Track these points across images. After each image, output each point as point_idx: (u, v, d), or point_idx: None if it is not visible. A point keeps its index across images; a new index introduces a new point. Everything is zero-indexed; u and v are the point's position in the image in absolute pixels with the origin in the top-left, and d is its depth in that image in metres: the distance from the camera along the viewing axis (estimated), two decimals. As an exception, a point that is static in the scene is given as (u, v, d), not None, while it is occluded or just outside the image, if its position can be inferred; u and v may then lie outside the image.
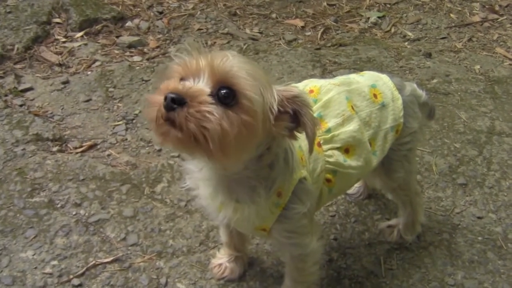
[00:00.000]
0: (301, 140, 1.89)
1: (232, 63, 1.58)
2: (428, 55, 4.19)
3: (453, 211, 2.84)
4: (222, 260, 2.46)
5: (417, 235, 2.68)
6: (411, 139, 2.25)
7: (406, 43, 4.42)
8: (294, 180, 1.86)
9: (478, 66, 4.10)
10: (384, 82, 2.19)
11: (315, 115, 1.93)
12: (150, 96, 1.61)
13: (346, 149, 2.01)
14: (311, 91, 2.07)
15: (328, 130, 2.00)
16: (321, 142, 1.98)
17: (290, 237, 1.99)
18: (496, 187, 2.99)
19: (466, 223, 2.78)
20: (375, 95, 2.13)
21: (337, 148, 2.00)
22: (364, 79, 2.19)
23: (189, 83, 1.58)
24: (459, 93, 3.75)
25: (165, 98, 1.52)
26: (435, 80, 3.88)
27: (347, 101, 2.05)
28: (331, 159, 1.98)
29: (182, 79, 1.62)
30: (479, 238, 2.71)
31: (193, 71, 1.60)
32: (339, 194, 2.17)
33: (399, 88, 2.21)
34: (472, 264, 2.59)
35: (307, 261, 2.11)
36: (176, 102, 1.51)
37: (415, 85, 2.34)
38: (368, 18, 4.73)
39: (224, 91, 1.55)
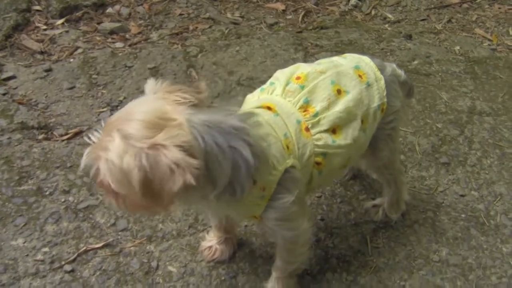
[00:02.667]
0: (288, 127, 1.96)
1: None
2: (409, 37, 4.23)
3: (437, 189, 2.90)
4: (211, 242, 2.49)
5: (402, 214, 2.73)
6: (394, 117, 2.29)
7: (387, 25, 4.45)
8: (278, 171, 1.89)
9: (458, 47, 4.15)
10: (366, 63, 2.23)
11: (302, 100, 2.02)
12: None
13: (333, 130, 2.05)
14: (298, 78, 2.10)
15: (316, 114, 2.03)
16: (309, 126, 2.01)
17: (281, 224, 2.03)
18: (477, 166, 3.05)
19: (449, 201, 2.84)
20: (360, 76, 2.17)
21: (325, 131, 2.03)
22: (347, 61, 2.22)
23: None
24: (440, 74, 3.80)
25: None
26: (416, 62, 3.92)
27: (332, 86, 2.09)
28: (319, 142, 2.01)
29: None
30: (462, 215, 2.77)
31: None
32: (332, 177, 2.19)
33: (380, 68, 2.25)
34: (456, 240, 2.65)
35: (298, 242, 2.14)
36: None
37: (394, 65, 2.38)
38: (349, 0, 4.74)
39: None
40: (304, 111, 2.03)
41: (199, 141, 1.61)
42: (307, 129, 2.01)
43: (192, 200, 1.88)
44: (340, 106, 2.06)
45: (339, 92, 2.09)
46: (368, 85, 2.16)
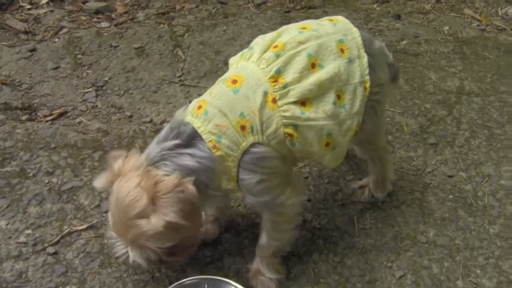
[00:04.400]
0: (249, 102, 1.98)
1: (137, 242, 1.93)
2: (397, 17, 4.20)
3: (425, 170, 2.89)
4: None
5: (389, 194, 2.72)
6: (379, 90, 2.25)
7: (375, 5, 4.41)
8: (234, 157, 1.96)
9: (447, 27, 4.12)
10: (353, 37, 2.18)
11: (274, 70, 2.02)
12: None
13: (302, 102, 2.03)
14: (276, 46, 2.08)
15: (285, 86, 2.01)
16: (276, 98, 2.00)
17: (257, 200, 2.09)
18: (465, 146, 3.04)
19: (437, 181, 2.83)
20: (342, 50, 2.13)
21: (293, 103, 2.01)
22: (335, 30, 2.17)
23: None
24: (428, 54, 3.77)
25: None
26: (404, 42, 3.89)
27: (308, 58, 2.06)
28: (287, 114, 2.00)
29: None
30: (450, 196, 2.76)
31: None
32: (315, 153, 2.16)
33: (368, 42, 2.22)
34: (444, 221, 2.64)
35: (284, 214, 2.15)
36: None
37: (383, 45, 2.35)
38: (337, -20, 4.71)
39: None
40: (274, 81, 2.02)
41: (165, 170, 1.92)
42: (274, 101, 2.00)
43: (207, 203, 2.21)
44: (311, 79, 2.04)
45: (313, 66, 2.06)
46: (350, 60, 2.13)
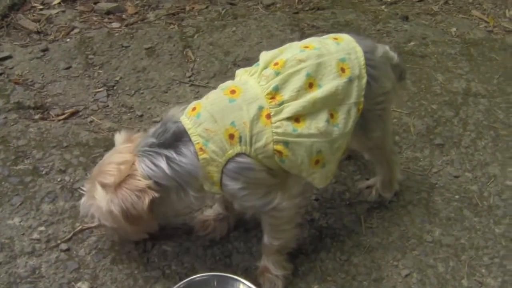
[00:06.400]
0: (242, 114, 2.04)
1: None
2: (405, 18, 4.22)
3: (431, 170, 2.92)
4: (208, 217, 2.52)
5: (396, 194, 2.75)
6: (384, 99, 2.30)
7: (383, 6, 4.43)
8: (219, 163, 2.03)
9: (454, 29, 4.14)
10: (356, 56, 2.20)
11: (272, 87, 2.07)
12: None
13: (296, 119, 2.07)
14: (276, 64, 2.12)
15: (281, 103, 2.06)
16: (271, 114, 2.04)
17: (245, 206, 2.19)
18: (472, 147, 3.07)
19: (443, 182, 2.86)
20: (342, 69, 2.15)
21: (287, 119, 2.05)
22: (337, 49, 2.19)
23: None
24: (435, 56, 3.80)
25: None
26: (412, 43, 3.92)
27: (306, 78, 2.09)
28: (279, 130, 2.04)
29: None
30: (456, 196, 2.79)
31: None
32: (304, 171, 2.15)
33: (371, 49, 2.25)
34: (449, 221, 2.67)
35: (279, 218, 2.19)
36: None
37: (387, 48, 2.38)
38: (345, -19, 4.73)
39: None
40: (271, 97, 2.06)
41: (143, 168, 2.05)
42: (268, 116, 2.04)
43: (174, 207, 2.22)
44: (307, 97, 2.08)
45: (310, 85, 2.10)
46: (350, 80, 2.15)
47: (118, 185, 2.03)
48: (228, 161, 2.02)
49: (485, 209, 2.74)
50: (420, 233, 2.61)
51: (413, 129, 3.15)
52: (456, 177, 2.89)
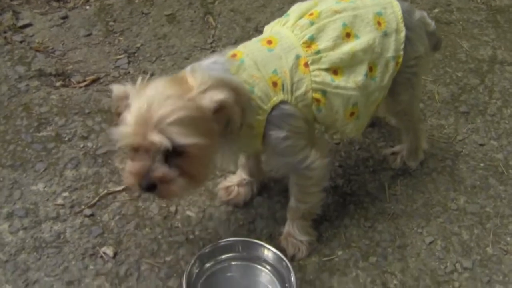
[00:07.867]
0: (282, 62, 2.00)
1: (162, 125, 1.76)
2: (429, -15, 4.15)
3: (456, 138, 2.89)
4: (231, 183, 2.51)
5: (420, 162, 2.72)
6: (416, 63, 2.27)
7: (407, -27, 4.36)
8: (264, 110, 1.97)
9: (480, -5, 4.07)
10: (393, 10, 2.18)
11: (307, 36, 2.04)
12: (124, 176, 1.94)
13: (334, 71, 2.06)
14: (311, 14, 2.10)
15: (318, 52, 2.04)
16: (308, 62, 2.03)
17: (284, 161, 2.12)
18: (497, 115, 3.02)
19: (468, 150, 2.83)
20: (379, 23, 2.14)
21: (325, 69, 2.04)
22: (373, 3, 2.18)
23: (147, 164, 1.84)
24: (460, 23, 3.73)
25: (140, 186, 1.86)
26: (436, 10, 3.85)
27: (342, 28, 2.08)
28: (317, 79, 2.03)
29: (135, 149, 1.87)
30: (481, 164, 2.76)
31: (140, 144, 1.82)
32: (343, 125, 2.17)
33: (408, 13, 2.21)
34: (474, 189, 2.65)
35: (310, 177, 2.18)
36: (149, 189, 1.85)
37: (425, 14, 2.35)
38: None
39: (172, 156, 1.82)
40: (307, 46, 2.04)
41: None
42: (306, 65, 2.03)
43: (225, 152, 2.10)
44: (345, 48, 2.06)
45: (348, 35, 2.09)
46: (385, 34, 2.14)
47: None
48: (273, 108, 1.99)
49: (511, 178, 2.70)
50: (445, 201, 2.59)
51: (437, 96, 3.11)
52: (481, 145, 2.85)
